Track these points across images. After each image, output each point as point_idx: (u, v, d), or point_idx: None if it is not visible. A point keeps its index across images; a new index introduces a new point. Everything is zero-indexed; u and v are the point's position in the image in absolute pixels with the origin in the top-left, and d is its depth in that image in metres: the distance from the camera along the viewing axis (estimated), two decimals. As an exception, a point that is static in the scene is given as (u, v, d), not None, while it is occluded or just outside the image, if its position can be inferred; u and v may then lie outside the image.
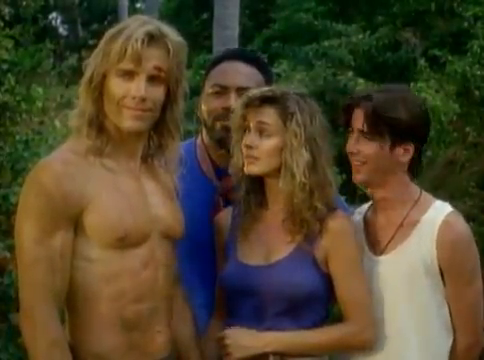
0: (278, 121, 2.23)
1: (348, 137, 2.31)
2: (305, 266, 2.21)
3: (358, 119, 2.25)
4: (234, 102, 2.45)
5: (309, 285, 2.19)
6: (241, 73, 2.53)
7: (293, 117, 2.22)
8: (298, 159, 2.20)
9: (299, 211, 2.21)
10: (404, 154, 2.26)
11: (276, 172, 2.23)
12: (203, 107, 2.55)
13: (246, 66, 2.55)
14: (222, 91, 2.50)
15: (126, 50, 1.95)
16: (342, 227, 2.23)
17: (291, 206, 2.22)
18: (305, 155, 2.20)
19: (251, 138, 2.23)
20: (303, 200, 2.20)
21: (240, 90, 2.47)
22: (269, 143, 2.23)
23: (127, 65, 1.98)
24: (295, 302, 2.19)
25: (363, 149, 2.24)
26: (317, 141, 2.24)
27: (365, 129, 2.23)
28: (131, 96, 1.99)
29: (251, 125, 2.24)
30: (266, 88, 2.31)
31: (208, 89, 2.54)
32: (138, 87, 1.98)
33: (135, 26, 1.98)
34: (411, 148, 2.26)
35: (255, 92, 2.27)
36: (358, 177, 2.29)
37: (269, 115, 2.23)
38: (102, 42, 2.01)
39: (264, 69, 2.60)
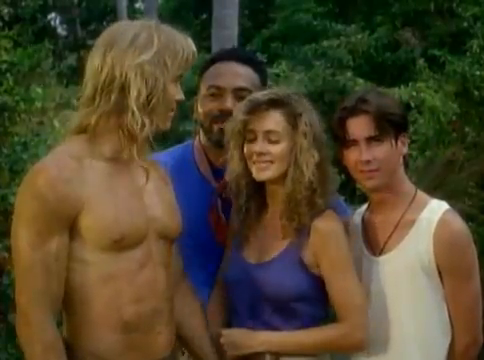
0: (286, 125, 2.23)
1: (348, 150, 2.26)
2: (292, 268, 2.21)
3: (361, 127, 2.22)
4: (230, 104, 2.44)
5: (294, 287, 2.20)
6: (236, 74, 2.51)
7: (301, 118, 2.23)
8: (308, 159, 2.21)
9: (299, 205, 2.21)
10: (403, 146, 2.28)
11: (284, 174, 2.24)
12: (199, 109, 2.54)
13: (241, 66, 2.53)
14: (218, 93, 2.49)
15: (187, 60, 2.07)
16: (330, 228, 2.22)
17: (291, 202, 2.22)
18: (315, 154, 2.21)
19: (260, 145, 2.22)
20: (305, 196, 2.21)
21: (236, 91, 2.47)
22: (280, 147, 2.22)
23: (183, 71, 2.08)
24: (281, 302, 2.21)
25: (378, 154, 2.22)
26: (322, 139, 2.25)
27: (375, 133, 2.21)
28: (179, 100, 2.10)
29: (257, 133, 2.23)
30: (269, 91, 2.29)
31: (204, 91, 2.53)
32: (180, 91, 2.10)
33: (180, 38, 2.07)
34: (406, 138, 2.28)
35: (258, 97, 2.25)
36: (373, 183, 2.26)
37: (276, 122, 2.22)
38: (164, 55, 2.03)
39: (259, 69, 2.59)
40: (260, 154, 2.21)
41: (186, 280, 2.29)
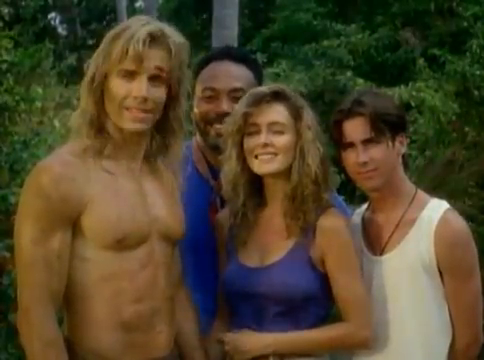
0: (289, 118, 2.23)
1: (345, 152, 2.27)
2: (301, 267, 2.20)
3: (357, 130, 2.23)
4: (226, 106, 2.44)
5: (305, 286, 2.19)
6: (231, 74, 2.51)
7: (304, 111, 2.24)
8: (314, 151, 2.22)
9: (306, 201, 2.21)
10: (401, 146, 2.28)
11: (287, 169, 2.23)
12: (195, 110, 2.53)
13: (235, 66, 2.53)
14: (213, 95, 2.48)
15: (127, 50, 1.95)
16: (335, 226, 2.23)
17: (296, 198, 2.22)
18: (320, 147, 2.22)
19: (265, 136, 2.21)
20: (313, 191, 2.21)
21: (231, 92, 2.47)
22: (284, 139, 2.22)
23: (129, 65, 1.98)
24: (292, 303, 2.19)
25: (374, 155, 2.22)
26: (321, 135, 2.26)
27: (371, 135, 2.22)
28: (133, 96, 1.99)
29: (261, 126, 2.22)
30: (272, 85, 2.29)
31: (199, 92, 2.51)
32: (140, 87, 1.99)
33: (137, 26, 1.98)
34: (404, 138, 2.29)
35: (262, 89, 2.25)
36: (372, 183, 2.26)
37: (280, 114, 2.23)
38: (104, 42, 2.00)
39: (254, 66, 2.58)
40: (264, 145, 2.21)
41: (184, 286, 2.28)
